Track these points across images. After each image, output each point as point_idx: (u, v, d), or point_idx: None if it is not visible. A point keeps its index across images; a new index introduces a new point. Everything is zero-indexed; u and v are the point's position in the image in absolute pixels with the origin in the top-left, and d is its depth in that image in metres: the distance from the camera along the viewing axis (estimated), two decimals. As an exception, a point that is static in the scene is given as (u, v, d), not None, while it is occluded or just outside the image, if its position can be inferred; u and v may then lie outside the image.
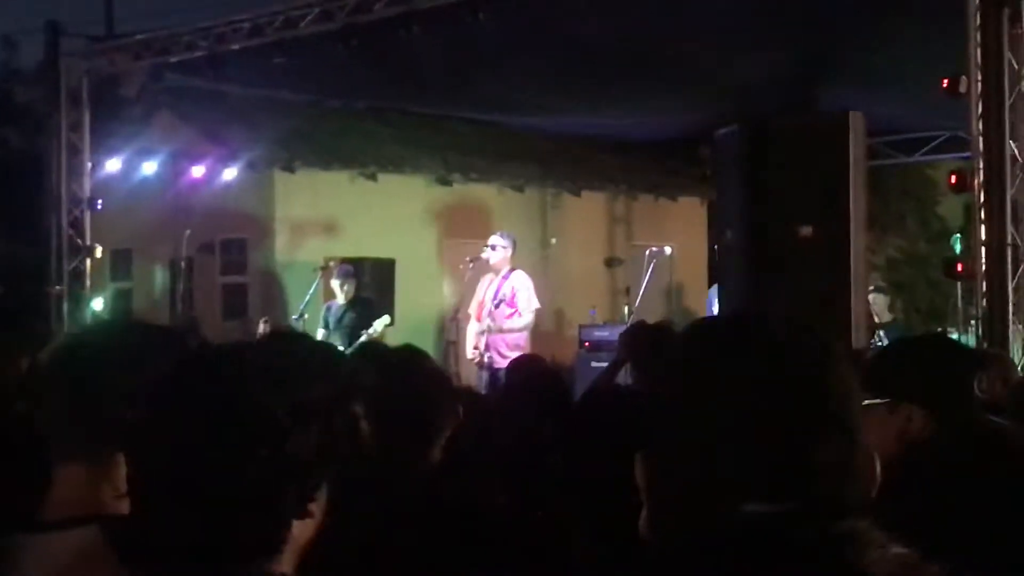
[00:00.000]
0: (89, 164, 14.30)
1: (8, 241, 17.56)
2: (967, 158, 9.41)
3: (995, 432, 3.02)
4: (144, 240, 16.38)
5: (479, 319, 10.89)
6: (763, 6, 10.24)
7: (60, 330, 12.07)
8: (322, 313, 11.85)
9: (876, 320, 11.94)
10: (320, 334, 11.31)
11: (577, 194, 17.62)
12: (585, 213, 17.78)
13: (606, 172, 17.68)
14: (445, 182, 16.28)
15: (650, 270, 12.45)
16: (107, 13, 18.65)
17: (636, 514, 1.70)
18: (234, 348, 1.70)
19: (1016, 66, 8.83)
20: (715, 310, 12.58)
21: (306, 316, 11.96)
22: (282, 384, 1.59)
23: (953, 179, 9.26)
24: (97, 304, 14.42)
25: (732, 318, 1.82)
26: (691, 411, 1.59)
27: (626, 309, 13.06)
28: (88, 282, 14.41)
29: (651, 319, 8.45)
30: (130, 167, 14.87)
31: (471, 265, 11.35)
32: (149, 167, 14.95)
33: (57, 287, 14.26)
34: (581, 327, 13.49)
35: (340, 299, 11.64)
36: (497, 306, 10.74)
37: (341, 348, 9.85)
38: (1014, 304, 8.75)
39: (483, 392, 8.92)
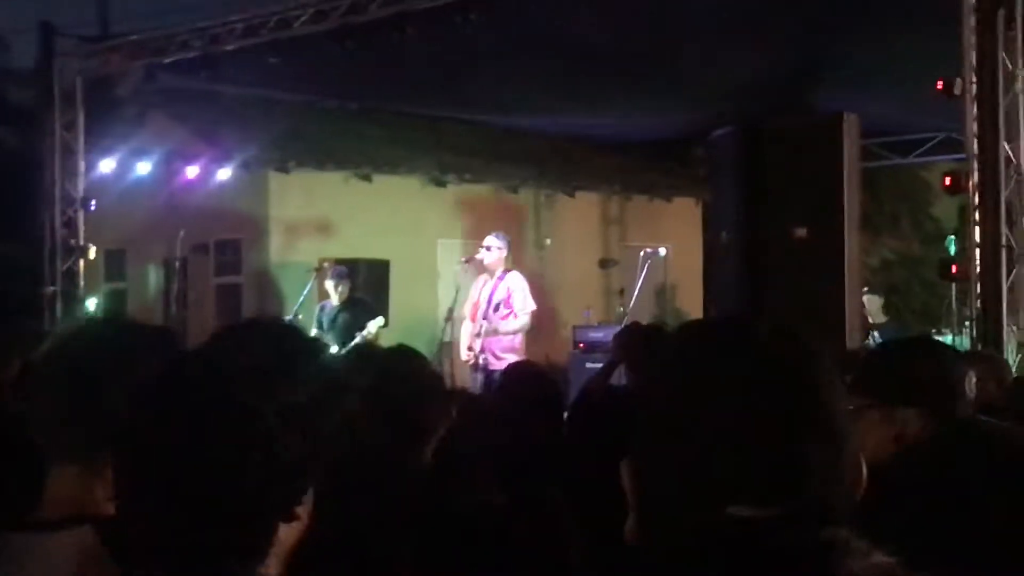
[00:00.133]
0: (83, 164, 14.29)
1: (1, 241, 17.51)
2: (961, 160, 9.42)
3: (988, 432, 3.02)
4: (138, 240, 16.37)
5: (473, 320, 10.87)
6: (757, 7, 10.25)
7: (53, 331, 12.04)
8: (316, 314, 11.85)
9: (870, 321, 11.95)
10: (314, 335, 11.31)
11: (571, 195, 17.63)
12: (579, 214, 17.79)
13: (600, 173, 17.69)
14: (439, 183, 16.28)
15: (644, 271, 12.45)
16: (101, 13, 18.65)
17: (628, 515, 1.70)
18: (221, 349, 1.70)
19: (1011, 68, 8.84)
20: None
21: (300, 317, 11.95)
22: (269, 385, 1.58)
23: (947, 181, 9.26)
24: (91, 304, 14.39)
25: (719, 321, 1.83)
26: (677, 414, 1.59)
27: (620, 310, 13.06)
28: (82, 282, 14.38)
29: (645, 320, 8.48)
30: (124, 167, 14.85)
31: (466, 266, 11.34)
32: (143, 167, 14.94)
33: (50, 287, 14.24)
34: (575, 328, 13.50)
35: (334, 300, 11.63)
36: (496, 309, 10.72)
37: (335, 349, 9.86)
38: (1008, 305, 8.76)
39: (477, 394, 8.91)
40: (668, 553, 1.57)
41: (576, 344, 13.02)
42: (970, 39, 8.80)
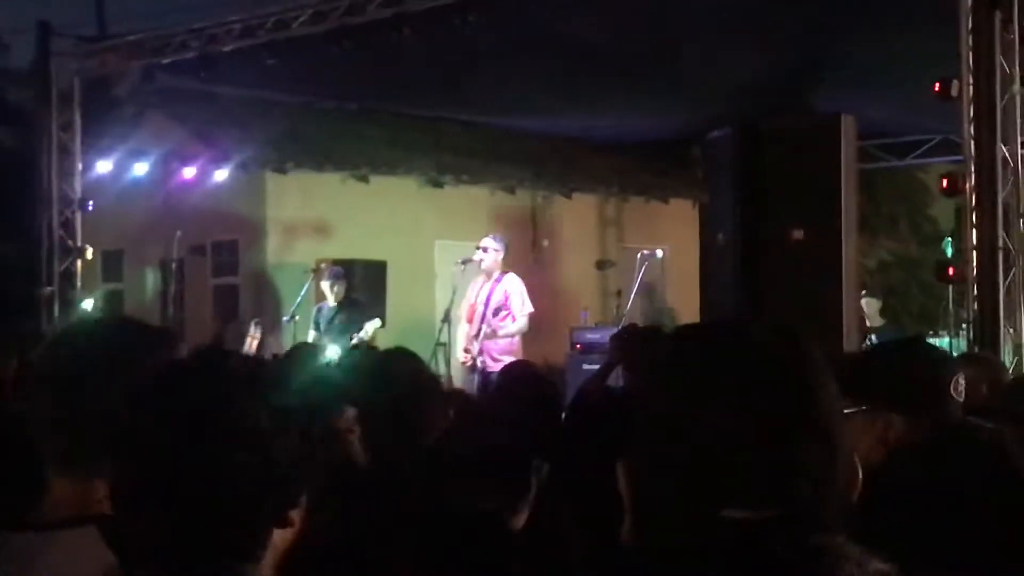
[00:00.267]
0: (80, 165, 14.29)
1: (-1, 242, 17.50)
2: (958, 161, 9.42)
3: (974, 435, 3.01)
4: (135, 241, 16.36)
5: (470, 322, 10.87)
6: (757, 8, 10.25)
7: (51, 331, 12.04)
8: (313, 315, 11.84)
9: (867, 324, 11.96)
10: (311, 336, 11.31)
11: (568, 196, 17.62)
12: (576, 215, 17.79)
13: (597, 174, 17.68)
14: (437, 184, 16.26)
15: (641, 272, 12.45)
16: (98, 13, 18.66)
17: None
18: (217, 353, 1.70)
19: (1008, 69, 8.84)
20: None
21: (297, 318, 11.95)
22: (264, 390, 1.59)
23: (944, 183, 9.27)
24: (87, 305, 14.39)
25: (715, 325, 1.84)
26: (674, 415, 1.59)
27: (617, 311, 13.06)
28: (79, 283, 14.39)
29: (642, 321, 8.48)
30: (121, 168, 14.85)
31: (462, 267, 11.33)
32: (140, 168, 14.92)
33: (48, 288, 14.24)
34: (572, 329, 13.49)
35: (330, 301, 11.62)
36: (495, 313, 10.70)
37: (332, 350, 9.86)
38: (1005, 307, 8.77)
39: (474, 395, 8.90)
40: (663, 554, 1.57)
41: (573, 345, 13.01)
42: (967, 40, 8.81)
